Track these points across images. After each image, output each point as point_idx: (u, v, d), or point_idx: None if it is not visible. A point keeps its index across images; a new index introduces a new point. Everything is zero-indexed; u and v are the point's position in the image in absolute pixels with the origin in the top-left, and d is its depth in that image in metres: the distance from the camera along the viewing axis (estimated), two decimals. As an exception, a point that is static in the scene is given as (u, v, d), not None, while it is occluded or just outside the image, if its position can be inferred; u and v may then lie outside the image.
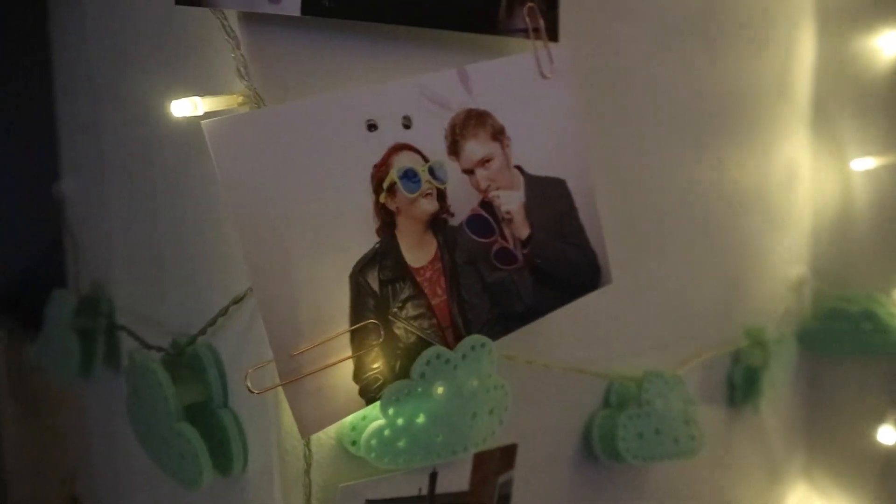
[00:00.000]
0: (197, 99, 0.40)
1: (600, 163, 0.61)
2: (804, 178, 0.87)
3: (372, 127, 0.46)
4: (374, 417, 0.47)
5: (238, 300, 0.46)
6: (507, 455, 0.57)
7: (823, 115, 0.87)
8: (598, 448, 0.63)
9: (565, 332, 0.61)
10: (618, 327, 0.65)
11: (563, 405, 0.62)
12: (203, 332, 0.48)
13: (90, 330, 0.64)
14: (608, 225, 0.59)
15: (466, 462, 0.54)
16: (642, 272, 0.67)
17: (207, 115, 0.41)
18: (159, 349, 0.52)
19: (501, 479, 0.57)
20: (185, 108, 0.40)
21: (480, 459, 0.55)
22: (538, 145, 0.54)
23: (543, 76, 0.54)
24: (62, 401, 0.85)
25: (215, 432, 0.49)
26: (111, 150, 0.61)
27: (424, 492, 0.51)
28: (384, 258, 0.47)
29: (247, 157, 0.41)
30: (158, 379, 0.47)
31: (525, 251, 0.54)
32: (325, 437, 0.47)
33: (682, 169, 0.70)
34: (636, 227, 0.66)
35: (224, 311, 0.47)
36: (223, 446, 0.48)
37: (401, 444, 0.47)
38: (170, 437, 0.48)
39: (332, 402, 0.44)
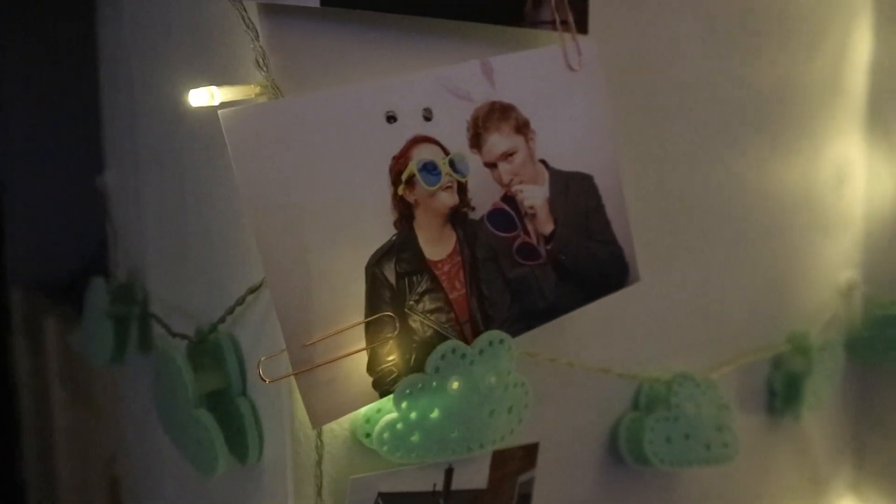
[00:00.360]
0: (214, 88, 0.41)
1: (632, 159, 0.60)
2: (857, 179, 0.83)
3: (391, 119, 0.46)
4: (388, 410, 0.47)
5: (254, 289, 0.46)
6: (528, 454, 0.56)
7: (879, 113, 0.83)
8: (624, 451, 0.62)
9: (592, 330, 0.60)
10: (648, 328, 0.64)
11: (590, 405, 0.61)
12: (222, 320, 0.49)
13: (124, 317, 0.66)
14: (640, 223, 0.58)
15: (485, 459, 0.53)
16: (676, 272, 0.65)
17: (227, 105, 0.42)
18: (183, 337, 0.53)
19: (522, 478, 0.56)
20: (201, 97, 0.40)
21: (500, 457, 0.54)
22: (564, 139, 0.53)
23: (571, 69, 0.53)
24: (105, 386, 0.88)
25: (234, 420, 0.49)
26: (145, 142, 0.63)
27: (439, 487, 0.51)
28: (401, 250, 0.46)
29: (263, 147, 0.41)
30: (178, 365, 0.48)
31: (548, 247, 0.53)
32: (340, 428, 0.47)
33: (721, 167, 0.68)
34: (670, 226, 0.65)
35: (241, 301, 0.47)
36: (240, 434, 0.49)
37: (414, 438, 0.47)
38: (188, 424, 0.49)
39: (345, 394, 0.44)
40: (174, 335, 0.55)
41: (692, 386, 0.62)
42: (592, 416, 0.62)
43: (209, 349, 0.51)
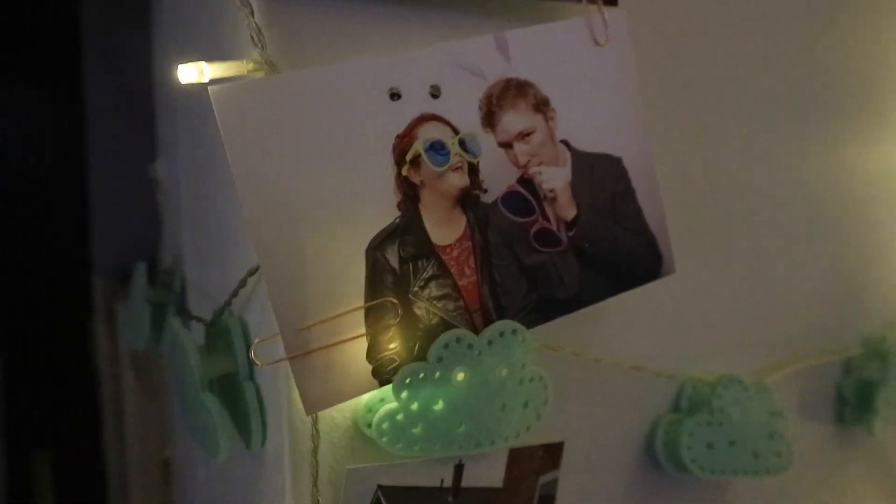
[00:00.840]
0: (203, 64, 0.40)
1: (676, 143, 0.56)
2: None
3: (395, 96, 0.44)
4: (390, 400, 0.45)
5: (253, 272, 0.46)
6: (551, 453, 0.53)
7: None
8: (661, 456, 0.57)
9: (626, 324, 0.56)
10: (691, 324, 0.59)
11: (624, 405, 0.57)
12: (228, 303, 0.49)
13: (162, 302, 0.67)
14: (682, 209, 0.54)
15: (500, 456, 0.50)
16: (724, 263, 0.60)
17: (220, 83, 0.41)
18: (199, 320, 0.53)
19: (544, 478, 0.53)
20: (190, 73, 0.40)
21: (517, 455, 0.51)
22: (589, 119, 0.50)
23: (597, 43, 0.50)
24: (160, 371, 0.90)
25: (241, 405, 0.49)
26: (182, 130, 0.64)
27: (448, 483, 0.48)
28: (405, 233, 0.44)
29: (256, 125, 0.40)
30: (185, 348, 0.48)
31: (571, 233, 0.49)
32: (341, 417, 0.46)
33: (781, 152, 0.63)
34: (718, 213, 0.60)
35: (243, 283, 0.46)
36: (246, 419, 0.48)
37: (416, 430, 0.45)
38: (195, 407, 0.48)
39: (342, 381, 0.42)
40: (192, 318, 0.55)
41: (739, 389, 0.57)
42: (627, 416, 0.58)
43: (221, 332, 0.51)
